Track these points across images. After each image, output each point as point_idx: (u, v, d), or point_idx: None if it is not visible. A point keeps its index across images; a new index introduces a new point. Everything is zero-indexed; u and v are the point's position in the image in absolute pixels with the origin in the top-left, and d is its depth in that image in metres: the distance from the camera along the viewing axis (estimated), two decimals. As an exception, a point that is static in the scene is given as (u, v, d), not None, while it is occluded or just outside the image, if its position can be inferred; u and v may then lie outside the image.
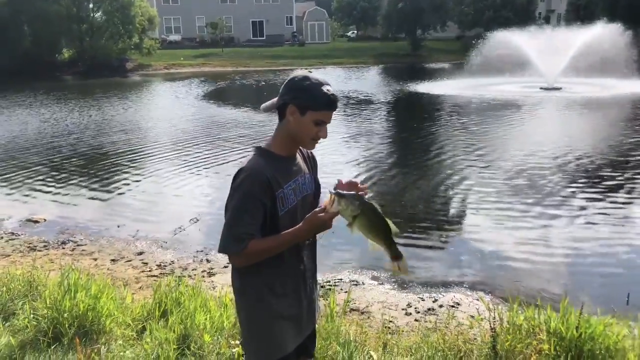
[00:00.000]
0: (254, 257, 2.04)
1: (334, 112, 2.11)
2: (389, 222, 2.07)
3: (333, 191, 1.99)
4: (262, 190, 2.02)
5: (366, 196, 2.07)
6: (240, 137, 13.63)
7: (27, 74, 33.95)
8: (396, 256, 2.11)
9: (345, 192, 2.00)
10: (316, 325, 2.48)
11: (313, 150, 2.34)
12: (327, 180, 2.32)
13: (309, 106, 2.03)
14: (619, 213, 7.20)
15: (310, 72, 2.12)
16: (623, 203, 7.60)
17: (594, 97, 19.56)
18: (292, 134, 2.11)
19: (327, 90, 2.04)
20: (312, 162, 2.31)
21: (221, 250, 2.04)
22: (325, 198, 2.05)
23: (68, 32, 40.35)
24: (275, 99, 2.12)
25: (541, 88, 22.41)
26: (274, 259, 2.09)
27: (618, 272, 5.54)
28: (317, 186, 2.34)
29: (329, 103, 2.05)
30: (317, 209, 2.02)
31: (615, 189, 8.22)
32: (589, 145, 11.32)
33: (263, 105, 2.18)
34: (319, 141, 2.13)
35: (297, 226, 2.04)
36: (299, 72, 2.13)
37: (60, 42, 41.44)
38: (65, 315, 3.64)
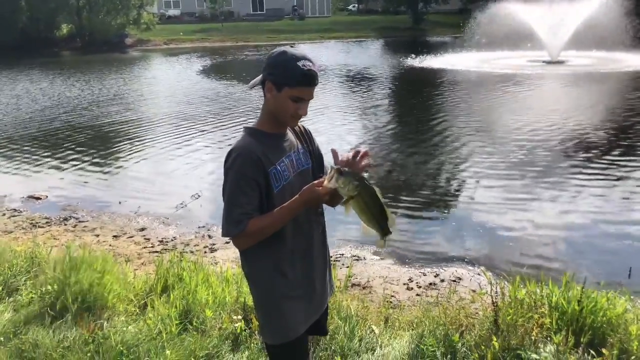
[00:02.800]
0: (256, 236, 2.03)
1: (316, 88, 2.04)
2: (388, 211, 2.02)
3: (334, 166, 1.95)
4: (254, 168, 2.00)
5: (369, 162, 2.02)
6: (241, 111, 13.53)
7: (25, 50, 33.71)
8: (384, 235, 2.07)
9: (346, 169, 1.95)
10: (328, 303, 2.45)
11: (308, 125, 2.31)
12: (327, 154, 2.29)
13: (283, 82, 1.98)
14: (622, 188, 7.17)
15: (292, 46, 2.05)
16: (625, 178, 7.57)
17: (598, 71, 19.31)
18: (272, 111, 2.07)
19: (303, 65, 1.96)
20: (305, 136, 2.26)
21: (224, 234, 2.04)
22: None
23: (65, 7, 39.87)
24: (260, 76, 2.08)
25: (544, 62, 22.15)
26: (276, 241, 2.07)
27: (620, 246, 5.52)
28: (319, 157, 2.30)
29: (305, 79, 1.98)
30: (315, 182, 2.00)
31: (617, 163, 8.16)
32: (590, 120, 11.22)
33: (250, 83, 2.14)
34: (300, 118, 2.09)
35: (293, 198, 2.02)
36: (279, 47, 2.08)
37: (57, 18, 40.97)
38: (68, 291, 3.65)
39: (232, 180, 2.00)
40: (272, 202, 2.04)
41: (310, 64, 1.99)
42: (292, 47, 2.06)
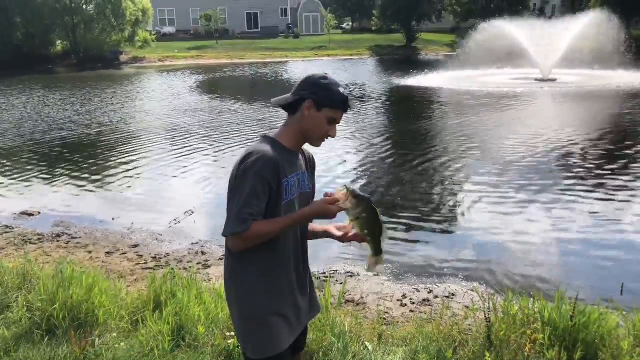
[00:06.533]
0: (255, 239, 2.04)
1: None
2: (384, 226, 2.21)
3: (350, 187, 2.07)
4: (272, 173, 2.04)
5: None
6: (234, 127, 13.57)
7: (19, 66, 33.73)
8: (377, 253, 2.23)
9: (359, 192, 2.10)
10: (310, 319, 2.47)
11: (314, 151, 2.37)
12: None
13: (326, 103, 2.12)
14: (613, 203, 7.22)
15: (326, 74, 2.22)
16: (616, 193, 7.62)
17: (588, 88, 19.57)
18: (304, 129, 2.16)
19: (344, 92, 2.14)
20: (311, 164, 2.34)
21: (226, 231, 2.03)
22: (334, 191, 2.12)
23: (60, 24, 40.05)
24: (288, 95, 2.16)
25: (536, 79, 22.40)
26: (264, 253, 2.10)
27: (612, 262, 5.55)
28: (313, 187, 2.36)
29: (344, 102, 2.14)
30: (326, 199, 2.08)
31: (609, 179, 8.23)
32: (582, 136, 11.33)
33: (273, 100, 2.22)
34: (324, 139, 2.20)
35: (301, 209, 2.08)
36: (317, 72, 2.24)
37: (52, 34, 41.13)
38: (59, 307, 3.63)
39: (250, 179, 2.01)
40: (277, 213, 2.08)
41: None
42: (326, 74, 2.23)
